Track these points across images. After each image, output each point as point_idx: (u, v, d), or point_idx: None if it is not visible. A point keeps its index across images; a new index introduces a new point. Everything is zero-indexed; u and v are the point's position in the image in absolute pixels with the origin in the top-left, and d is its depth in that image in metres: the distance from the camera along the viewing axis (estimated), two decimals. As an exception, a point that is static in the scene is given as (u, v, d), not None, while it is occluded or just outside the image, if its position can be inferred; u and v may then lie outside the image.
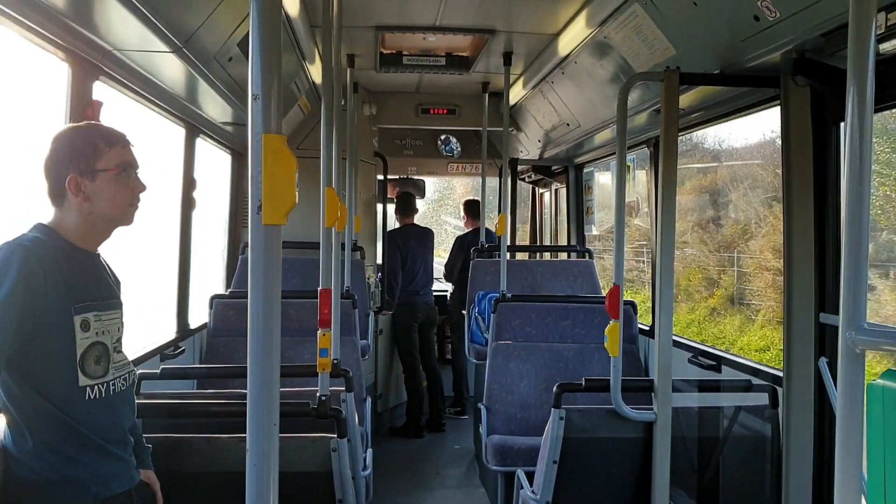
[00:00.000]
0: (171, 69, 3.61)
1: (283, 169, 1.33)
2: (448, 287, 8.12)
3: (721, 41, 3.36)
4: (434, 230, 8.31)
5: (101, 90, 3.33)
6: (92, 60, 3.19)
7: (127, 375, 2.33)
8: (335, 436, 2.99)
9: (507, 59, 5.51)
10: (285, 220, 1.35)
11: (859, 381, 1.54)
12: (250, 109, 1.34)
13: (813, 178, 3.24)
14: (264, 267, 1.36)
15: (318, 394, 3.28)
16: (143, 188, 2.31)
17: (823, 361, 3.18)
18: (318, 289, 3.45)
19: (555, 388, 3.46)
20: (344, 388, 3.68)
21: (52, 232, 2.20)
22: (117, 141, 2.27)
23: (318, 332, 3.35)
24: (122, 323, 2.35)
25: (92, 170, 2.20)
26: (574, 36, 4.61)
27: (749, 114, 3.97)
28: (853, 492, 1.57)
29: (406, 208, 7.67)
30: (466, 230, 8.05)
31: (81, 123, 2.40)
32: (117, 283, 2.41)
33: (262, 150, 1.32)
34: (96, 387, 2.19)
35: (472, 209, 7.99)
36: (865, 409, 1.52)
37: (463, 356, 7.20)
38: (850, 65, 1.60)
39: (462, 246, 7.75)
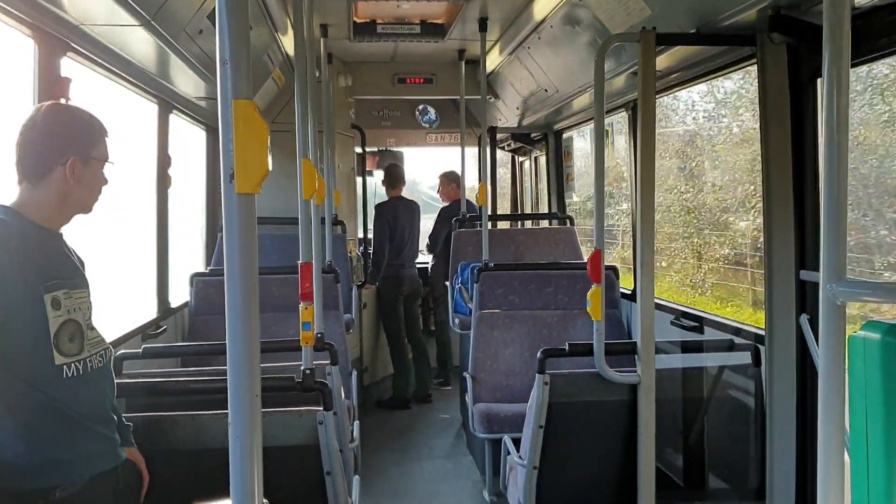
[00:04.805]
0: (140, 43, 3.53)
1: (255, 136, 1.30)
2: (430, 259, 8.11)
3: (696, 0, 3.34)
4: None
5: (70, 67, 3.26)
6: (59, 36, 3.12)
7: (103, 352, 2.32)
8: (321, 409, 2.99)
9: (483, 24, 5.45)
10: (259, 189, 1.32)
11: (841, 334, 1.55)
12: (219, 75, 1.30)
13: (791, 135, 3.24)
14: (239, 237, 1.33)
15: (302, 368, 3.27)
16: (106, 182, 2.35)
17: (805, 318, 3.20)
18: (298, 262, 3.43)
19: (538, 354, 3.46)
20: (329, 362, 3.67)
21: (14, 213, 2.18)
22: (106, 133, 2.33)
23: (300, 305, 3.33)
24: (91, 302, 2.33)
25: (87, 156, 2.24)
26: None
27: (727, 73, 3.96)
28: (836, 445, 1.58)
29: (394, 180, 7.59)
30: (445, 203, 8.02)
31: (80, 107, 2.38)
32: (81, 262, 2.40)
33: (232, 117, 1.28)
34: (73, 364, 2.18)
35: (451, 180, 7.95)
36: (847, 362, 1.53)
37: (447, 328, 7.20)
38: (826, 20, 1.59)
39: (447, 217, 7.73)
